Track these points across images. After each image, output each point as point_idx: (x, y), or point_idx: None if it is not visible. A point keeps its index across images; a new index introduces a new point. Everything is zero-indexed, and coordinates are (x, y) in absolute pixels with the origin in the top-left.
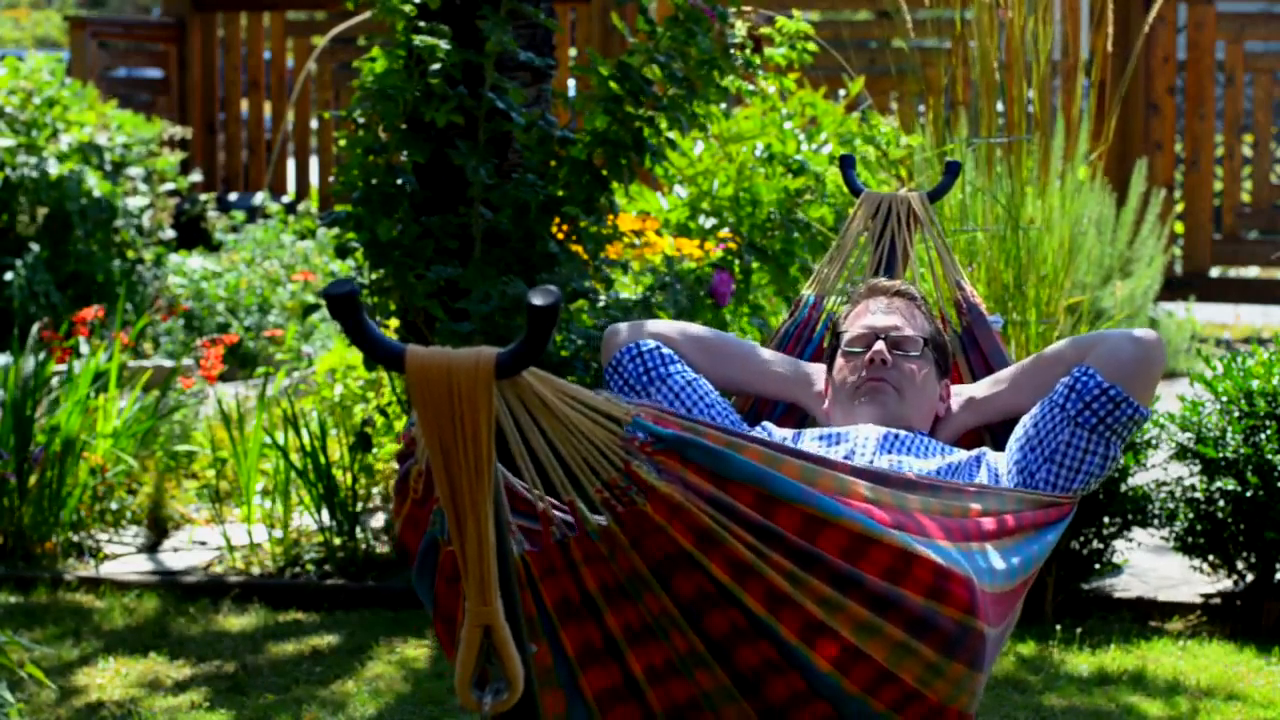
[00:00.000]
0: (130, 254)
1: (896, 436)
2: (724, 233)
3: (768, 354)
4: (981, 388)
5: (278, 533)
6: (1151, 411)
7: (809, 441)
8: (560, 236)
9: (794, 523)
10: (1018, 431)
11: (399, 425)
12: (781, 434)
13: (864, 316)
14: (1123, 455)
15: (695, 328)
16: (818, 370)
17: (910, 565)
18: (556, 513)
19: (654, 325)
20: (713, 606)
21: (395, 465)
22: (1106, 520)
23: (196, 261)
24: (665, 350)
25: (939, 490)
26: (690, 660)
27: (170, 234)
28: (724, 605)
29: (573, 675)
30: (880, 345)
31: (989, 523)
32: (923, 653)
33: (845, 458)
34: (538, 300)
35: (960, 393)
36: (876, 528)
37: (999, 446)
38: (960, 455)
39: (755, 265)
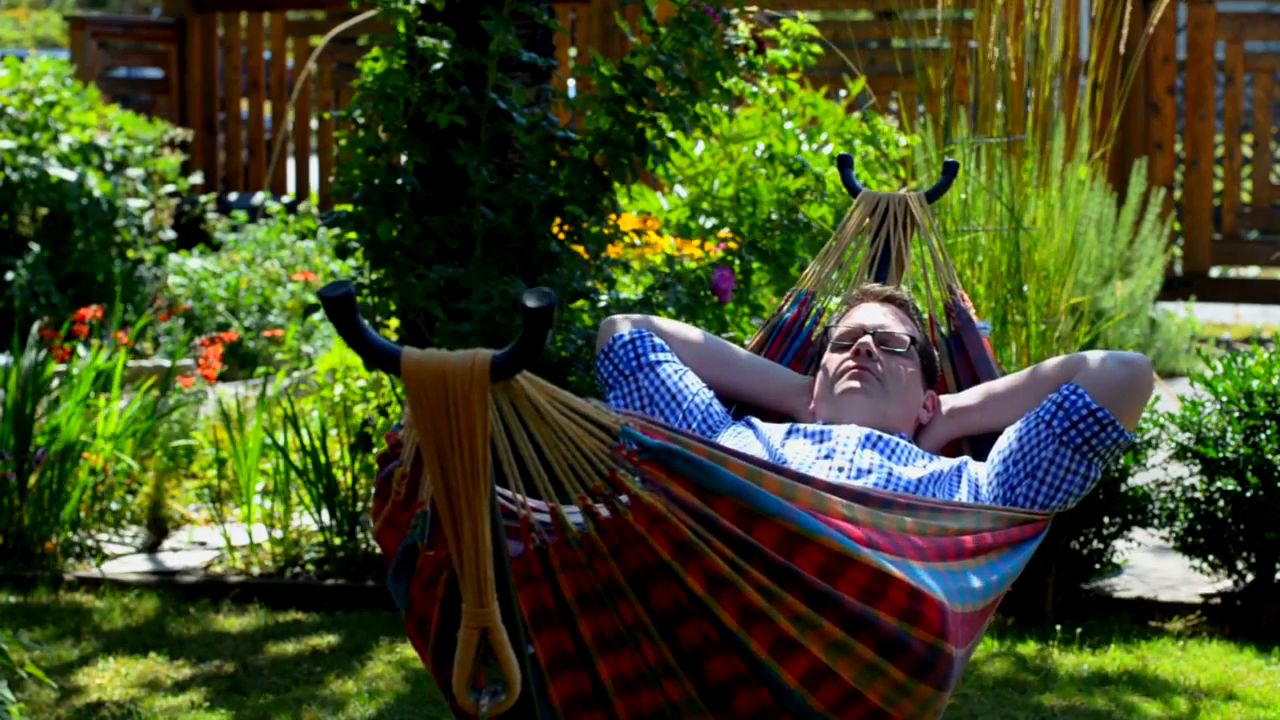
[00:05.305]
0: (130, 254)
1: (880, 438)
2: (724, 233)
3: (763, 361)
4: (966, 398)
5: (277, 533)
6: (1136, 436)
7: (796, 437)
8: (561, 237)
9: (773, 538)
10: (1001, 443)
11: None
12: (769, 428)
13: (854, 317)
14: (1123, 458)
15: (692, 329)
16: (810, 381)
17: (886, 587)
18: (536, 518)
19: (652, 320)
20: (686, 618)
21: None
22: (1106, 520)
23: (196, 262)
24: (657, 340)
25: (916, 509)
26: (659, 670)
27: (171, 234)
28: (697, 617)
29: (542, 683)
30: (867, 338)
31: (966, 541)
32: (892, 674)
33: (826, 455)
34: (532, 302)
35: (944, 402)
36: (854, 547)
37: (980, 457)
38: (943, 464)
39: (755, 265)
